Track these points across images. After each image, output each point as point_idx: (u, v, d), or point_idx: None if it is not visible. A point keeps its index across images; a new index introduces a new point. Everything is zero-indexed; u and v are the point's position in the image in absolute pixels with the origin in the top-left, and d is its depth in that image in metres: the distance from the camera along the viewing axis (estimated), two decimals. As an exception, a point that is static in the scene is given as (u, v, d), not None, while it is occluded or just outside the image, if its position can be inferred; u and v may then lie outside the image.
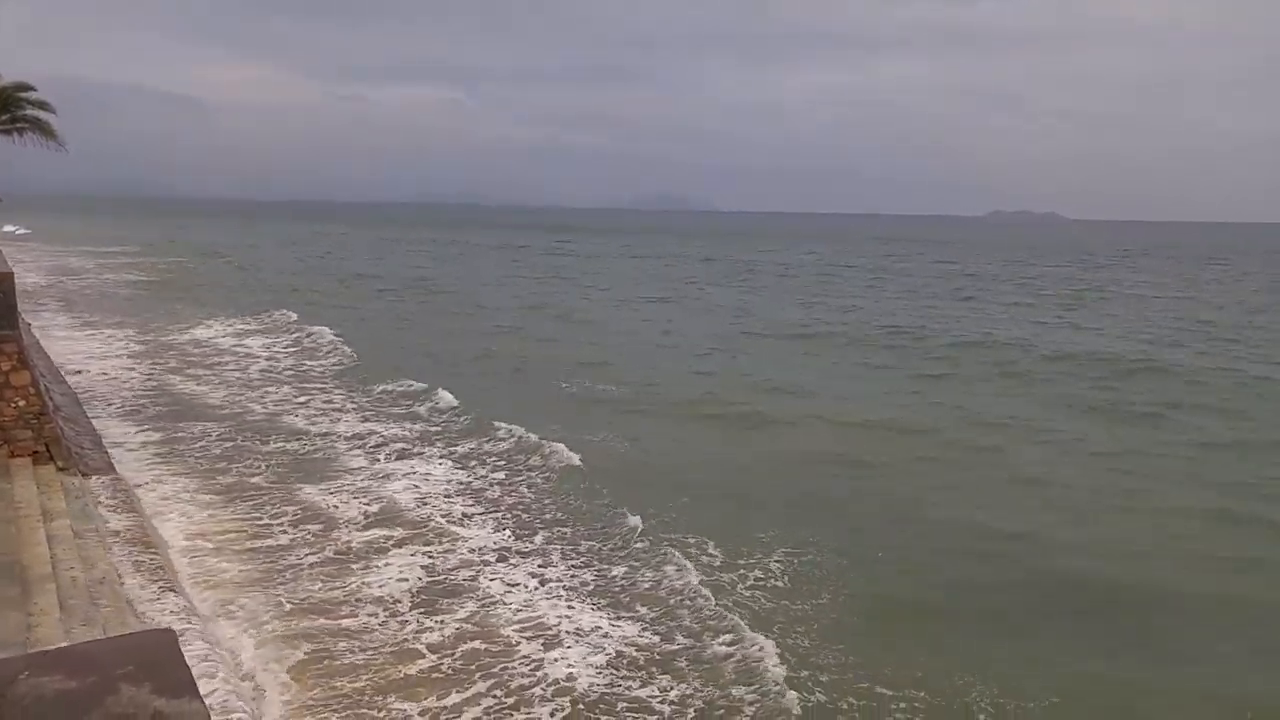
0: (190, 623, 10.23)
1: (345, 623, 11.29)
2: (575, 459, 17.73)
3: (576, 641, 10.95)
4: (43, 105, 27.65)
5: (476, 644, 10.84)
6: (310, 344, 31.20)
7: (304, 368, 27.44)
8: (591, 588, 12.51)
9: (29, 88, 27.80)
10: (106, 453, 16.66)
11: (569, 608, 11.85)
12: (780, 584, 12.83)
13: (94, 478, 14.85)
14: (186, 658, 2.41)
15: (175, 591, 11.08)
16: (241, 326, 34.93)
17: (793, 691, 9.89)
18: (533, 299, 48.45)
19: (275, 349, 30.43)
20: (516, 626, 11.33)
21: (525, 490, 16.45)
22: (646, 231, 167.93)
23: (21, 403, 14.63)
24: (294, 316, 37.74)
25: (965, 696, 10.07)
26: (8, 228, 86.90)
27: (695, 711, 9.56)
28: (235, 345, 30.99)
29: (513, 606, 11.87)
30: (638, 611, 11.76)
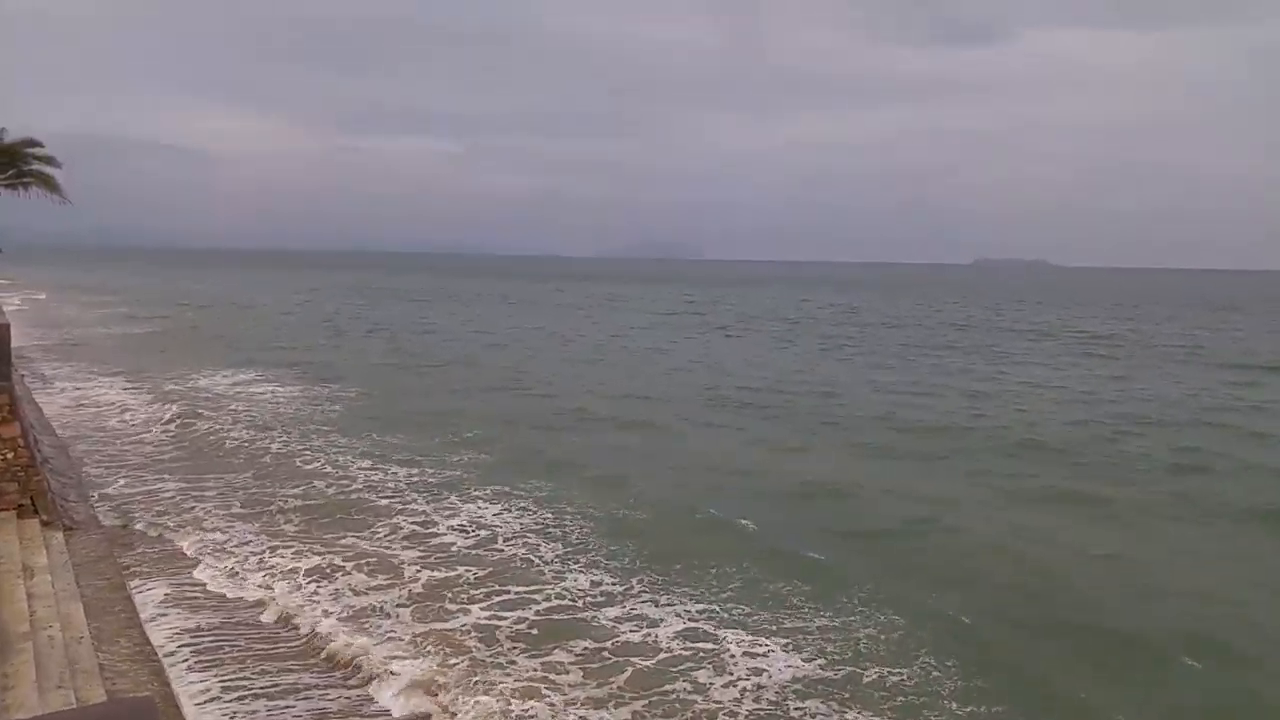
0: (188, 688, 10.05)
1: (470, 658, 11.36)
2: (613, 496, 18.28)
3: (735, 667, 11.26)
4: (48, 160, 28.19)
5: (625, 675, 11.03)
6: (315, 393, 31.10)
7: (311, 414, 27.27)
8: (719, 619, 12.65)
9: (36, 144, 28.38)
10: (92, 506, 16.54)
11: (706, 636, 12.10)
12: (884, 606, 13.10)
13: (79, 532, 14.72)
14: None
15: (153, 657, 10.88)
16: (242, 376, 34.82)
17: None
18: (530, 343, 48.60)
19: (279, 397, 30.26)
20: (660, 657, 11.52)
21: (582, 529, 16.42)
22: (638, 281, 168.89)
23: (9, 455, 14.56)
24: (293, 365, 37.81)
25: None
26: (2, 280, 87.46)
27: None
28: (236, 393, 30.85)
29: (646, 637, 12.06)
30: (777, 639, 12.01)
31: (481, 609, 12.94)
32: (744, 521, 17.21)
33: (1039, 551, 16.00)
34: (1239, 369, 42.82)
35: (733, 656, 11.51)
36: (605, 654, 11.61)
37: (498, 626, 12.35)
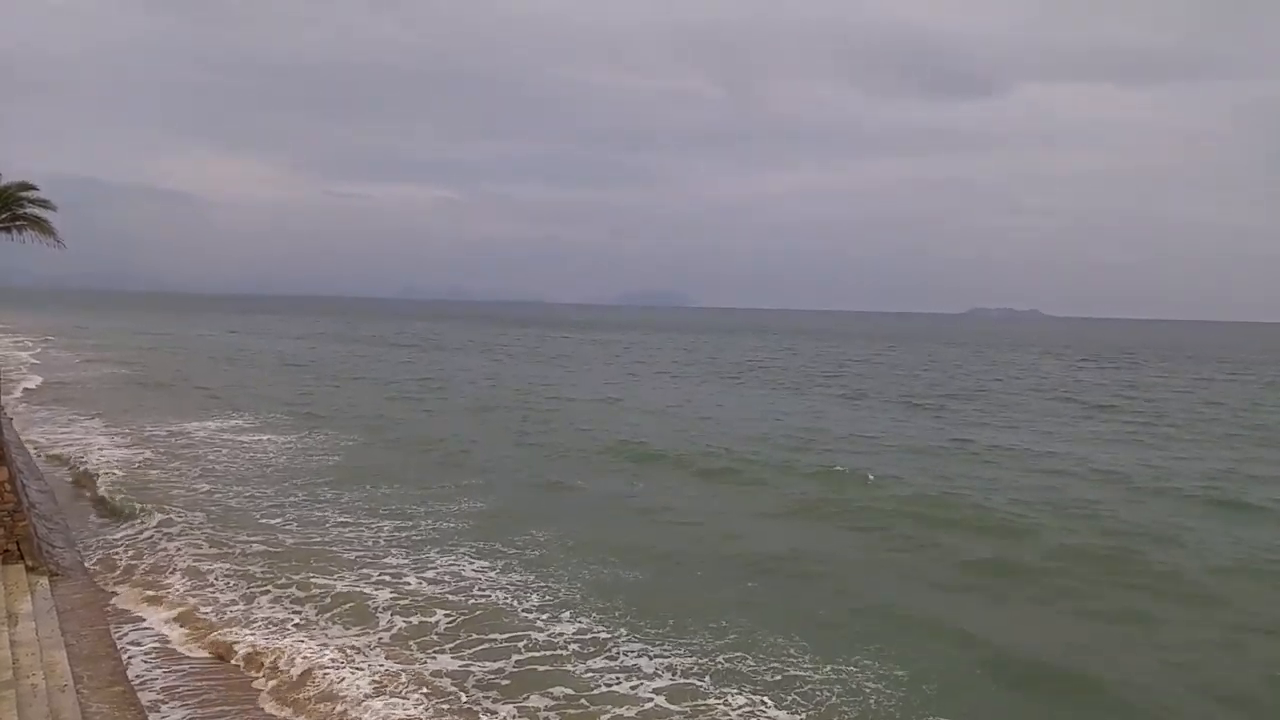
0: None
1: (443, 704, 11.23)
2: (609, 548, 18.08)
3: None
4: (43, 204, 28.17)
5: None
6: (305, 441, 30.80)
7: (301, 463, 27.05)
8: (715, 671, 12.38)
9: (31, 187, 28.42)
10: (79, 553, 16.38)
11: (699, 690, 11.85)
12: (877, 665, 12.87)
13: (64, 579, 14.58)
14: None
15: (137, 705, 10.74)
16: (231, 423, 34.62)
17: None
18: (527, 392, 48.43)
19: (268, 445, 29.99)
20: (646, 708, 11.30)
21: (573, 581, 16.18)
22: (637, 329, 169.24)
23: (-4, 500, 14.47)
24: (283, 412, 37.59)
25: None
26: None
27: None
28: (225, 440, 30.61)
29: (634, 689, 11.82)
30: (777, 692, 11.77)
31: (454, 657, 12.78)
32: (743, 574, 17.09)
33: (1058, 607, 15.79)
34: None
35: (726, 711, 11.27)
36: (584, 703, 11.41)
37: (471, 673, 12.21)
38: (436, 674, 12.18)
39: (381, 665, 12.37)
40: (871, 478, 26.50)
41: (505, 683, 12.02)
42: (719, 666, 12.64)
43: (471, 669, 12.36)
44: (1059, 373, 75.56)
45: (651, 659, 12.85)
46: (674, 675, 12.32)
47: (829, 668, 12.68)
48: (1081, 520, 22.12)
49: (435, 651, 12.94)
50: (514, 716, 11.04)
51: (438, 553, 17.86)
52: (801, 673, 12.47)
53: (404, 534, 19.31)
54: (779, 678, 12.28)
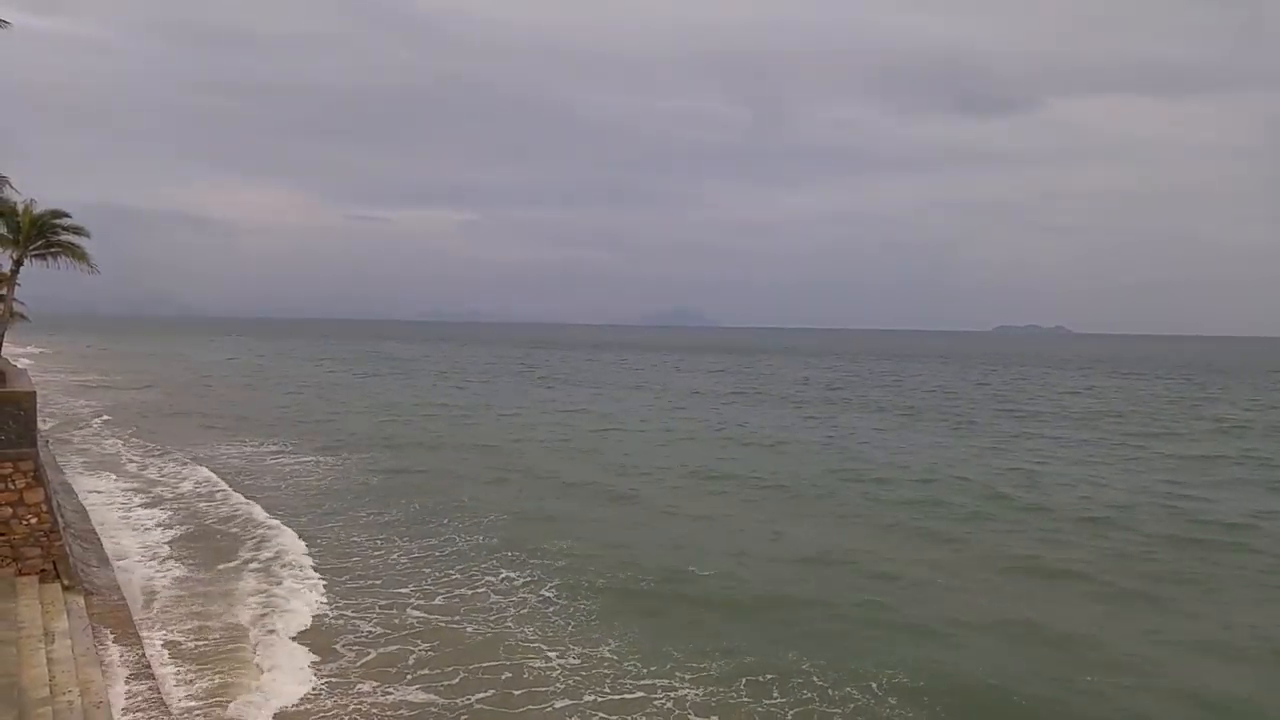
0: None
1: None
2: (629, 571, 18.09)
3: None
4: (77, 231, 28.92)
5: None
6: (340, 465, 30.97)
7: (331, 486, 27.22)
8: (726, 703, 12.19)
9: (64, 215, 29.16)
10: (113, 571, 16.56)
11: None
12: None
13: (99, 597, 14.73)
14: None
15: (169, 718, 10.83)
16: (267, 447, 34.88)
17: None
18: (556, 420, 48.50)
19: (303, 468, 30.22)
20: None
21: (588, 605, 16.18)
22: (663, 350, 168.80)
23: (33, 520, 14.68)
24: (314, 436, 37.79)
25: None
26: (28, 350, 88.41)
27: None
28: (262, 464, 30.89)
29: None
30: None
31: (450, 684, 12.76)
32: (767, 592, 16.97)
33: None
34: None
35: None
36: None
37: (456, 703, 12.18)
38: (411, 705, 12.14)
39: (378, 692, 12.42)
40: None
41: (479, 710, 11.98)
42: (731, 693, 12.40)
43: (455, 701, 12.27)
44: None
45: (658, 690, 12.58)
46: (683, 707, 12.08)
47: (847, 687, 12.46)
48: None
49: (443, 681, 12.92)
50: None
51: (473, 569, 18.03)
52: (829, 707, 12.16)
53: (436, 548, 19.52)
54: (799, 709, 12.02)
